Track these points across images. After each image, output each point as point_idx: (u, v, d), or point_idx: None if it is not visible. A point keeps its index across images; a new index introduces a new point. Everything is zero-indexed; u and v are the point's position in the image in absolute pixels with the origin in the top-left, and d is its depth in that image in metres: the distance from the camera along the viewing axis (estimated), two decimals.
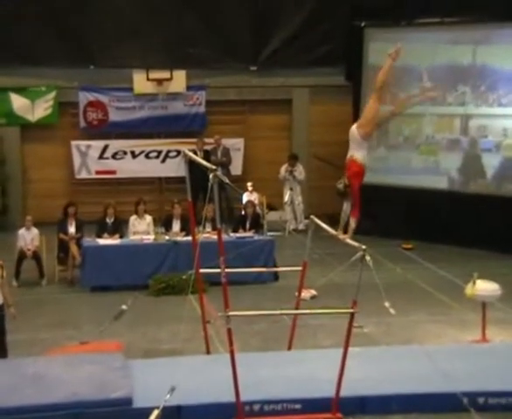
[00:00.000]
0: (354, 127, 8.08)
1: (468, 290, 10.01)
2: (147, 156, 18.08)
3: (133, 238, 13.38)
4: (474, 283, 9.90)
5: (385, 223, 15.28)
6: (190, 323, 9.30)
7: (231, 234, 13.53)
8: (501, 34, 14.55)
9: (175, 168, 17.08)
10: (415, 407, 7.92)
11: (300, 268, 9.12)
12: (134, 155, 18.04)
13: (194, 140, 17.41)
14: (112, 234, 13.33)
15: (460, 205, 15.07)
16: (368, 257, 7.27)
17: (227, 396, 7.50)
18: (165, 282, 12.31)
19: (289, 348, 9.31)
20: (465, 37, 15.01)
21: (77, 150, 17.80)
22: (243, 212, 14.41)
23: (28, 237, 13.22)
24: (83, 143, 17.86)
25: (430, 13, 15.28)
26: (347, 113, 16.38)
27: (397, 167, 16.10)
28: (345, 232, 7.99)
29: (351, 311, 7.52)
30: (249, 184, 16.17)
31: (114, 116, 17.92)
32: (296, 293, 9.21)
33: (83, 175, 17.92)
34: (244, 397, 7.46)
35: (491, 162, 14.87)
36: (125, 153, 17.99)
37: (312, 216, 8.90)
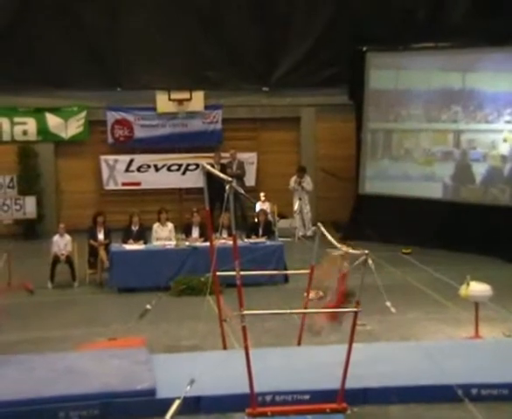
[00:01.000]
0: None
1: (462, 290, 9.96)
2: (169, 169, 18.13)
3: (156, 244, 13.40)
4: (468, 284, 9.85)
5: (386, 229, 15.24)
6: (208, 321, 9.29)
7: (246, 240, 13.51)
8: (486, 61, 15.28)
9: (194, 180, 17.15)
10: (413, 398, 7.89)
11: (308, 271, 9.11)
12: (157, 168, 18.10)
13: (211, 154, 17.46)
14: (137, 240, 13.35)
15: (454, 213, 15.37)
16: (370, 261, 7.26)
17: (242, 388, 7.49)
18: (185, 284, 12.29)
19: (298, 344, 9.30)
20: (455, 64, 15.76)
21: (105, 164, 17.90)
22: (256, 220, 14.37)
23: (61, 243, 13.25)
24: (111, 157, 17.95)
25: (424, 38, 15.76)
26: (350, 130, 16.41)
27: (397, 176, 16.47)
28: None
29: (355, 310, 7.50)
30: (262, 194, 16.14)
31: (139, 133, 17.98)
32: (305, 294, 9.19)
33: (111, 186, 18.00)
34: (257, 389, 7.44)
35: (479, 170, 15.56)
36: (149, 166, 18.05)
37: (319, 224, 8.87)
